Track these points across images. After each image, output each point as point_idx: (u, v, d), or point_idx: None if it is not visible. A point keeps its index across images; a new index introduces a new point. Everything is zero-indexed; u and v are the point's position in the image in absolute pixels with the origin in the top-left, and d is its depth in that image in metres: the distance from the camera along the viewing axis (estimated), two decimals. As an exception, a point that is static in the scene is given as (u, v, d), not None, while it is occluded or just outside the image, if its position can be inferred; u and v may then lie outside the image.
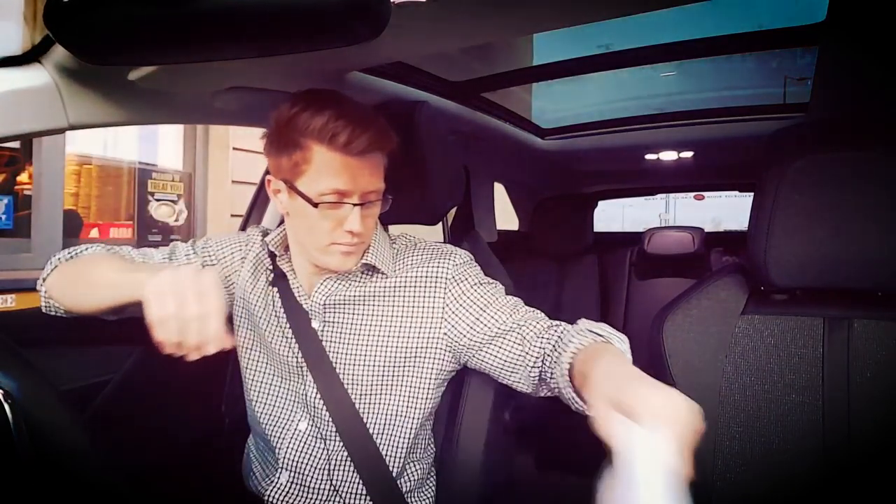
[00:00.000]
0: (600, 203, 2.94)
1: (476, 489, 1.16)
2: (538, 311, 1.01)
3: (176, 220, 3.79)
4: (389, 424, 1.02)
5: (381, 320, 1.02)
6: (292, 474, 1.03)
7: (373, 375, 1.01)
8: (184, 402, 1.33)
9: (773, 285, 0.92)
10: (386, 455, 1.01)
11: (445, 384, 1.08)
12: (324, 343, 1.02)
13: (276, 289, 1.06)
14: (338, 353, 1.02)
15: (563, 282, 2.60)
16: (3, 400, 0.67)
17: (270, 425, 1.06)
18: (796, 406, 0.90)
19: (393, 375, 1.01)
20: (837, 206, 0.86)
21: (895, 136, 0.85)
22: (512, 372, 0.97)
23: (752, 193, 0.95)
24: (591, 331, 0.89)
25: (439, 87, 1.69)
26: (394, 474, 1.01)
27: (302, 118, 0.92)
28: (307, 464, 1.02)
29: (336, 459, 1.01)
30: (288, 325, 1.04)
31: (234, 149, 3.89)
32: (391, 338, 1.01)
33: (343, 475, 1.01)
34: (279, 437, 1.04)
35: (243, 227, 1.69)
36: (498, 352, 0.97)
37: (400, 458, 1.02)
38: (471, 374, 1.21)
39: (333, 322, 1.03)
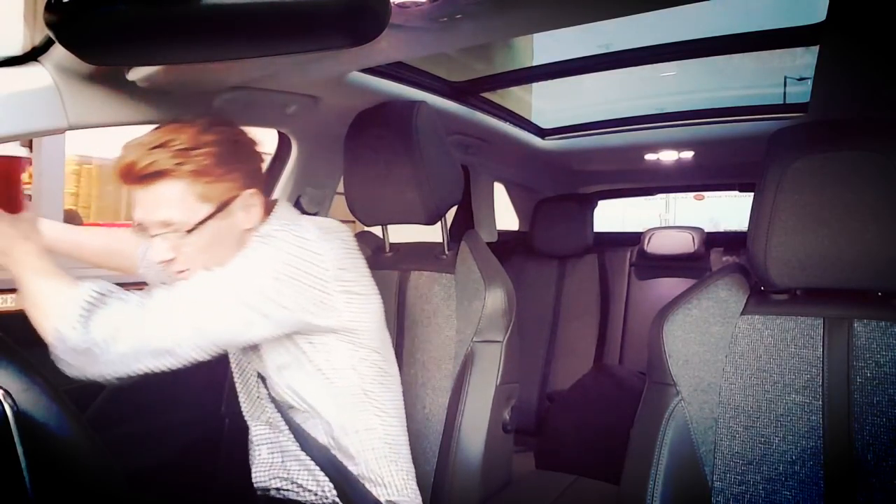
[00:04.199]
0: (600, 203, 2.94)
1: (475, 489, 1.16)
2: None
3: (176, 220, 3.79)
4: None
5: None
6: (270, 447, 1.10)
7: None
8: (184, 402, 1.33)
9: (773, 285, 0.92)
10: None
11: (291, 353, 1.02)
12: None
13: None
14: None
15: (563, 282, 2.60)
16: (2, 400, 0.67)
17: (245, 411, 1.15)
18: (796, 406, 0.90)
19: None
20: (837, 206, 0.86)
21: (895, 136, 0.85)
22: None
23: (752, 193, 0.95)
24: None
25: (439, 87, 1.69)
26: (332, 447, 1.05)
27: None
28: (278, 436, 1.09)
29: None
30: None
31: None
32: None
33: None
34: (251, 419, 1.14)
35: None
36: None
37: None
38: (470, 374, 1.21)
39: None
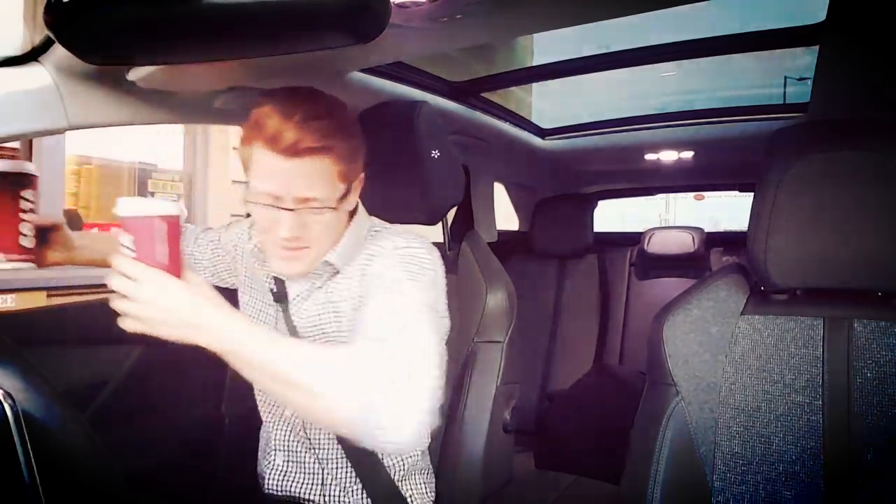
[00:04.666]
0: (600, 203, 2.95)
1: (476, 488, 1.16)
2: (392, 339, 0.82)
3: (176, 220, 3.78)
4: None
5: (332, 317, 1.01)
6: (286, 454, 1.07)
7: None
8: (184, 402, 1.33)
9: (773, 285, 0.92)
10: None
11: None
12: (301, 337, 1.03)
13: (272, 282, 1.08)
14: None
15: (563, 282, 2.60)
16: (2, 400, 0.67)
17: (265, 412, 1.10)
18: (796, 406, 0.90)
19: None
20: (838, 207, 0.86)
21: (895, 136, 0.85)
22: None
23: (752, 193, 0.95)
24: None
25: (439, 87, 1.69)
26: (380, 457, 1.02)
27: (255, 113, 0.90)
28: (297, 444, 1.06)
29: (318, 440, 1.04)
30: (280, 316, 1.07)
31: (235, 149, 3.89)
32: (340, 332, 1.00)
33: (327, 454, 1.04)
34: (273, 421, 1.09)
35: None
36: None
37: None
38: (471, 374, 1.21)
39: (304, 317, 1.04)
